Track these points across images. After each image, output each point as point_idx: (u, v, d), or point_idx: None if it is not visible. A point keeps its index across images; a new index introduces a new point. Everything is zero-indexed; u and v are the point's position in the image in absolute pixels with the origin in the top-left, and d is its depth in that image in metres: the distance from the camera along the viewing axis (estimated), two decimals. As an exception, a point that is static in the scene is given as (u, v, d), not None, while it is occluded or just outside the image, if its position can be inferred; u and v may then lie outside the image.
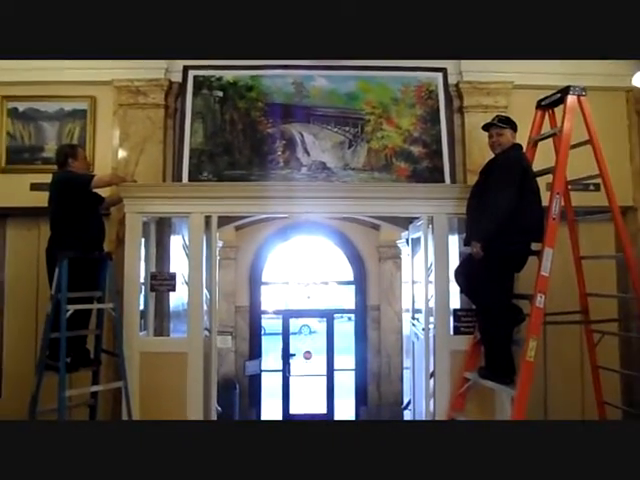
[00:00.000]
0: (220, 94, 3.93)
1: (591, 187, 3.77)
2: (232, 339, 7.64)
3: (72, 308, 3.06)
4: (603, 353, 3.63)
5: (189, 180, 3.77)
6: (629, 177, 4.02)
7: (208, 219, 3.52)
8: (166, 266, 3.81)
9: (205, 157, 3.82)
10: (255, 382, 8.12)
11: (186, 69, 3.91)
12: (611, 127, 3.92)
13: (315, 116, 3.85)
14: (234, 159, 3.80)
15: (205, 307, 3.58)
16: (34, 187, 3.85)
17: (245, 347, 8.12)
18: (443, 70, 3.95)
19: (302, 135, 3.82)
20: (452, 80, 3.98)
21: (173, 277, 3.57)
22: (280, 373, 8.53)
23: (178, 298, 3.88)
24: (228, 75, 3.93)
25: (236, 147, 3.82)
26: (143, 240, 3.57)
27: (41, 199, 3.45)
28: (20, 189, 3.88)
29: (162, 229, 3.85)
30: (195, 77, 3.93)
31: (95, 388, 3.29)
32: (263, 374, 8.35)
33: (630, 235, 3.67)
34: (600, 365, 3.57)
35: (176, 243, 3.92)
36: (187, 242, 3.62)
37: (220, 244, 6.44)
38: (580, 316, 3.56)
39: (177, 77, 3.96)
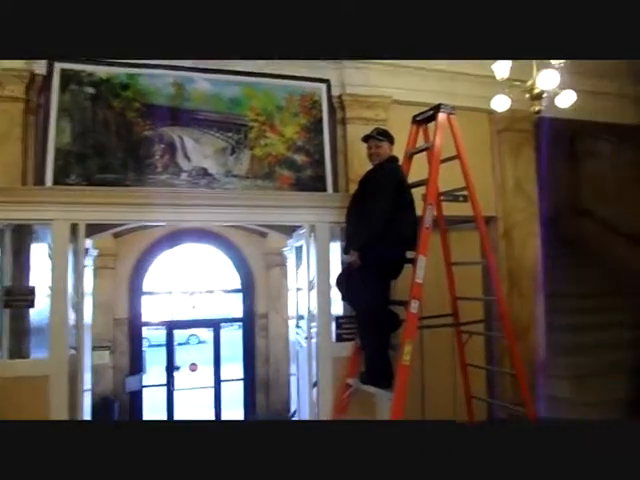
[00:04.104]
0: (92, 91, 3.62)
1: (460, 198, 4.04)
2: (110, 354, 7.12)
3: None
4: (471, 352, 3.93)
5: (54, 184, 3.41)
6: (492, 190, 4.40)
7: (75, 227, 3.22)
8: (25, 279, 3.40)
9: (73, 159, 3.49)
10: (137, 399, 7.63)
11: (51, 61, 3.55)
12: (477, 144, 4.26)
13: (197, 120, 3.70)
14: (106, 162, 3.51)
15: (73, 322, 3.26)
16: None
17: (125, 362, 7.61)
18: (327, 81, 4.02)
19: (182, 139, 3.65)
20: (335, 92, 4.07)
21: (32, 292, 3.20)
22: (164, 387, 8.11)
23: (42, 313, 3.49)
24: (101, 71, 3.63)
25: (109, 149, 3.54)
26: (-4, 250, 3.16)
27: None
28: None
29: (21, 237, 3.44)
30: (62, 70, 3.58)
31: None
32: (145, 390, 7.89)
33: (492, 242, 4.01)
34: (468, 363, 3.85)
35: (40, 252, 3.53)
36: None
37: (95, 252, 5.97)
38: (451, 319, 3.81)
39: (41, 69, 3.57)
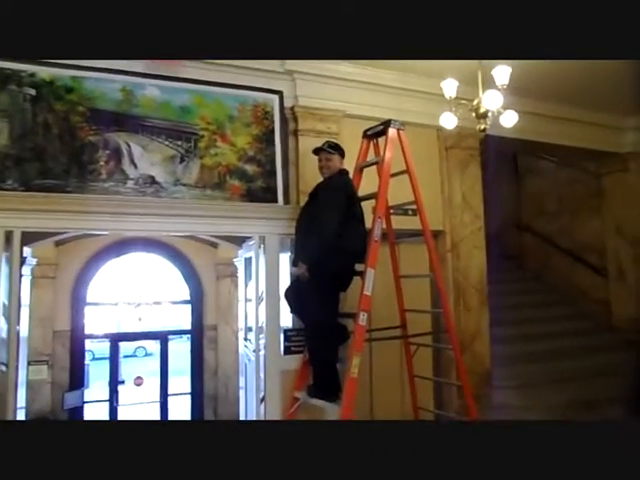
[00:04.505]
0: (32, 92, 3.45)
1: (410, 212, 4.12)
2: (48, 369, 6.77)
3: None
4: (420, 364, 3.98)
5: (-12, 188, 3.22)
6: (440, 204, 4.51)
7: (10, 234, 3.05)
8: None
9: (10, 162, 3.30)
10: (76, 416, 7.27)
11: (-12, 59, 3.37)
12: (426, 159, 4.37)
13: (145, 127, 3.59)
14: (47, 167, 3.35)
15: (3, 336, 3.07)
16: None
17: (65, 377, 7.26)
18: (279, 93, 4.01)
19: (129, 146, 3.53)
20: (288, 103, 4.07)
21: (-42, 303, 3.00)
22: (107, 403, 7.79)
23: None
24: (43, 72, 3.48)
25: (50, 154, 3.38)
26: None
27: None
28: None
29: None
30: (0, 70, 3.41)
31: None
32: (86, 406, 7.54)
33: (440, 256, 4.10)
34: (416, 374, 3.90)
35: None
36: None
37: (34, 261, 5.68)
38: (400, 331, 3.86)
39: (-24, 67, 3.39)
